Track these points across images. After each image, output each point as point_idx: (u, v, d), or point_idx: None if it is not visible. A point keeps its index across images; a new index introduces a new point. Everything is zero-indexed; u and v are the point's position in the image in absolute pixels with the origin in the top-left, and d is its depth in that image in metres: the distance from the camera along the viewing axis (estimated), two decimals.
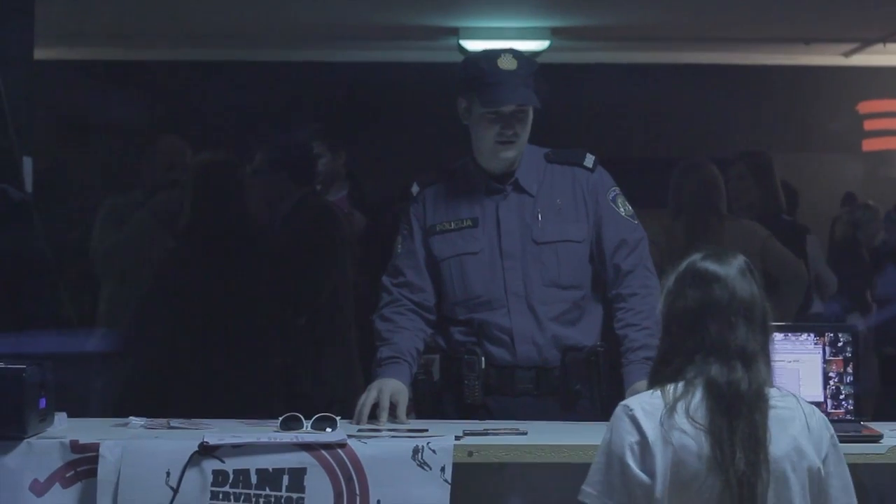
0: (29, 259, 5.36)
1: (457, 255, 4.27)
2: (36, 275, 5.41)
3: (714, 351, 3.17)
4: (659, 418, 3.14)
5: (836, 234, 7.95)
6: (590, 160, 4.32)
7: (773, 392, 3.19)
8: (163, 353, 5.49)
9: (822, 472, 3.18)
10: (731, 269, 3.22)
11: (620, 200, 4.31)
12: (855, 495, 3.24)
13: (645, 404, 3.19)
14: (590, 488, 3.20)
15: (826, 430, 3.23)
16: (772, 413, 3.15)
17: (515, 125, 4.22)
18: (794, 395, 3.27)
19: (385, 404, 4.00)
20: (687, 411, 3.13)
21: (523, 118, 4.24)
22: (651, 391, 3.22)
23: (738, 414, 3.11)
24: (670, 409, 3.14)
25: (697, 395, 3.15)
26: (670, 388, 3.18)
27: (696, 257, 3.26)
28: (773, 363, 3.24)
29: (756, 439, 3.11)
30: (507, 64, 4.22)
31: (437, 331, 4.32)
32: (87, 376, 5.61)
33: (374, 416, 4.00)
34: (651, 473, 3.13)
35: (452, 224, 4.30)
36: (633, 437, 3.16)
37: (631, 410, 3.19)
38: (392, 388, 4.05)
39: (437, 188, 4.35)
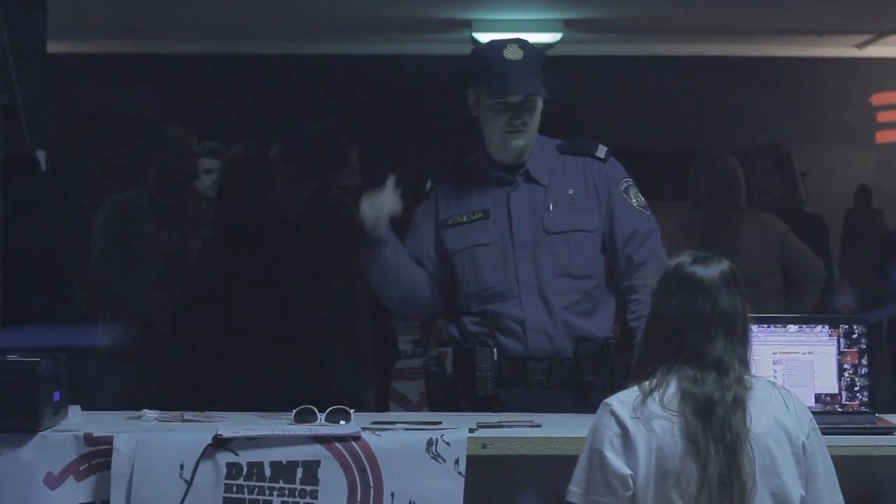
0: (43, 250, 5.36)
1: (469, 247, 4.27)
2: (50, 266, 5.42)
3: (689, 360, 3.20)
4: (633, 407, 3.17)
5: (885, 225, 7.90)
6: (602, 151, 4.32)
7: (749, 380, 3.23)
8: (181, 346, 5.49)
9: (806, 450, 3.20)
10: (717, 279, 3.23)
11: (633, 191, 4.31)
12: (838, 482, 3.25)
13: (623, 397, 3.23)
14: (575, 487, 3.24)
15: (805, 414, 3.26)
16: (749, 395, 3.19)
17: (524, 114, 4.22)
18: (770, 381, 3.34)
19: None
20: (661, 401, 3.17)
21: (531, 107, 4.24)
22: (629, 388, 3.25)
23: (712, 418, 3.14)
24: (645, 398, 3.18)
25: (671, 388, 3.18)
26: (646, 383, 3.22)
27: (684, 260, 3.27)
28: (751, 367, 3.27)
29: (735, 438, 3.13)
30: (513, 54, 4.22)
31: (450, 321, 4.33)
32: (102, 370, 5.61)
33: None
34: (633, 463, 3.16)
35: (464, 217, 4.30)
36: (613, 431, 3.19)
37: (609, 405, 3.23)
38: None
39: (449, 183, 4.36)
